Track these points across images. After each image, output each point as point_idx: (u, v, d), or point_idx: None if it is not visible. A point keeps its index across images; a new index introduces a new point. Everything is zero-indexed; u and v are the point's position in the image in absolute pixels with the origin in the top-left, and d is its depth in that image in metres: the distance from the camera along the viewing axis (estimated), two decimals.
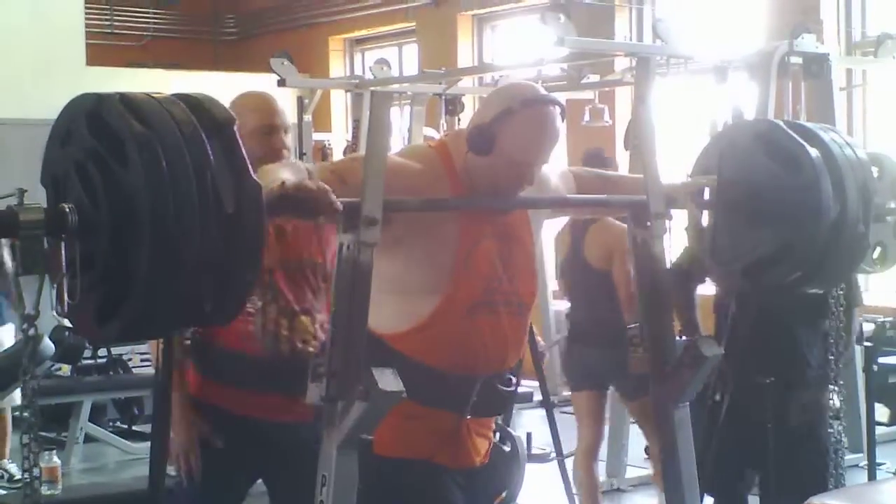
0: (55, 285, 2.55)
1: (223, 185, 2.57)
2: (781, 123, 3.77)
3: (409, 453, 3.29)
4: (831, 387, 4.95)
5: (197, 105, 2.63)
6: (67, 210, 2.54)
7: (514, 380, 3.39)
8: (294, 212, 2.84)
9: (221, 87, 6.22)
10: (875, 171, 3.95)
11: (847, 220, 3.58)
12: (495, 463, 3.52)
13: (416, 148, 3.28)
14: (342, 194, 2.95)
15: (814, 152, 3.57)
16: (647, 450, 8.38)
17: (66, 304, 2.55)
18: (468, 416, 3.32)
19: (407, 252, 3.18)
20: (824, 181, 3.55)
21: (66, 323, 2.68)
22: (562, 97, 10.55)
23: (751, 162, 3.67)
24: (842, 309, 4.47)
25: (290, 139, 4.06)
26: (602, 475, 7.90)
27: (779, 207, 3.59)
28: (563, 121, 3.26)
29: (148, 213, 2.47)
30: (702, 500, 3.78)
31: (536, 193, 3.42)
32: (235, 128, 2.66)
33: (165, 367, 3.49)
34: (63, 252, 2.53)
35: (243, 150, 2.64)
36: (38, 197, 2.67)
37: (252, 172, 2.64)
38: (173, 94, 2.65)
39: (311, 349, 4.02)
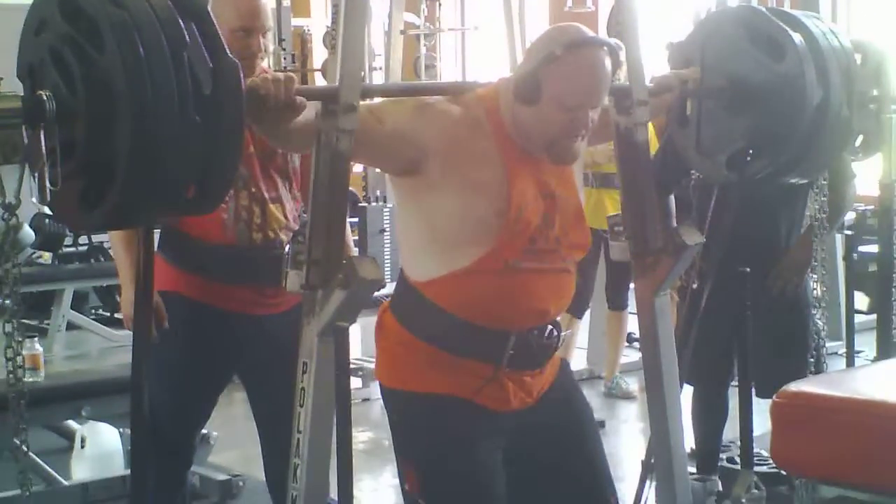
0: (36, 173, 2.53)
1: (200, 67, 2.56)
2: (765, 10, 3.76)
3: (446, 391, 3.13)
4: (812, 275, 4.97)
5: None
6: (45, 98, 2.52)
7: (555, 332, 3.22)
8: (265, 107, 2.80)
9: None
10: (858, 57, 3.92)
11: (831, 105, 3.58)
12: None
13: (464, 95, 3.11)
14: (380, 135, 2.97)
15: (797, 38, 3.56)
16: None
17: (47, 192, 2.54)
18: (506, 369, 3.15)
19: (445, 202, 3.03)
20: (808, 66, 3.54)
21: (47, 210, 2.67)
22: None
23: (734, 49, 3.66)
24: (825, 199, 4.47)
25: (269, 39, 3.99)
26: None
27: (762, 94, 3.59)
28: (617, 64, 3.07)
29: (126, 97, 2.47)
30: (682, 389, 3.80)
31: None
32: (209, 7, 2.65)
33: (146, 257, 3.47)
34: (42, 140, 2.51)
35: (218, 29, 2.65)
36: (15, 85, 2.65)
37: (228, 52, 2.64)
38: None
39: (283, 238, 4.01)
